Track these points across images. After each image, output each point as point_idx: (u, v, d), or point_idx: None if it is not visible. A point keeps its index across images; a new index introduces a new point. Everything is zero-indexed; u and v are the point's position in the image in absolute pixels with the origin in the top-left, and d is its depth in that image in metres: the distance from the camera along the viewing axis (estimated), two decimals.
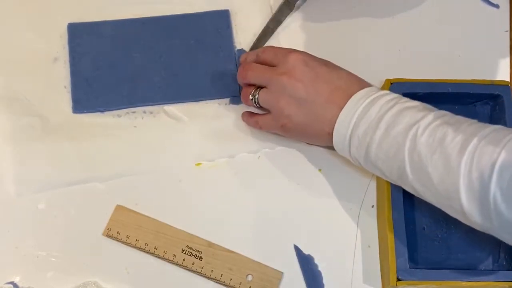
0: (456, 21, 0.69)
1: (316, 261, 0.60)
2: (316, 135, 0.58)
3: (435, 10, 0.69)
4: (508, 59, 0.68)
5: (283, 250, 0.60)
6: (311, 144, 0.63)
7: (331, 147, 0.58)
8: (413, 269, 0.55)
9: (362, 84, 0.56)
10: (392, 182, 0.54)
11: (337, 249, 0.60)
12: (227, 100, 0.66)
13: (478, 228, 0.48)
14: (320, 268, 0.60)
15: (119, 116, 0.65)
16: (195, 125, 0.65)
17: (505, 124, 0.60)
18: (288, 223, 0.61)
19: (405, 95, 0.60)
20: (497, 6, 0.70)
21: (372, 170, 0.55)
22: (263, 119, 0.61)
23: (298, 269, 0.60)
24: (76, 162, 0.63)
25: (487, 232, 0.48)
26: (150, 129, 0.65)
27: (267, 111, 0.61)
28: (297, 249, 0.60)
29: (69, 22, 0.68)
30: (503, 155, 0.44)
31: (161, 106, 0.65)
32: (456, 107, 0.64)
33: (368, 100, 0.53)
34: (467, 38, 0.68)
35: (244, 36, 0.69)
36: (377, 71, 0.65)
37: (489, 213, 0.45)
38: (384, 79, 0.62)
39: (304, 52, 0.59)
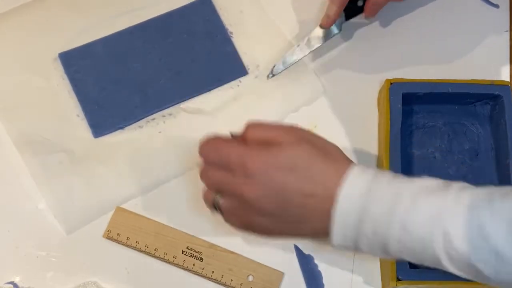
0: (456, 21, 0.69)
1: (316, 261, 0.60)
2: (300, 237, 0.55)
3: (435, 10, 0.69)
4: (508, 59, 0.68)
5: (283, 250, 0.60)
6: None
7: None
8: (413, 269, 0.55)
9: (340, 172, 0.45)
10: None
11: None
12: (237, 81, 0.66)
13: None
14: (320, 268, 0.60)
15: (140, 127, 0.64)
16: (218, 114, 0.64)
17: (505, 124, 0.60)
18: None
19: (405, 95, 0.60)
20: (497, 6, 0.70)
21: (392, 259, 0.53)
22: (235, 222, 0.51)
23: (298, 269, 0.60)
24: (114, 182, 0.61)
25: None
26: (176, 130, 0.64)
27: None
28: (297, 249, 0.60)
29: (58, 52, 0.65)
30: None
31: (177, 105, 0.65)
32: (456, 107, 0.64)
33: (362, 191, 0.44)
34: (467, 38, 0.68)
35: (231, 15, 0.68)
36: (377, 71, 0.66)
37: None
38: (384, 79, 0.62)
39: (260, 153, 0.46)
